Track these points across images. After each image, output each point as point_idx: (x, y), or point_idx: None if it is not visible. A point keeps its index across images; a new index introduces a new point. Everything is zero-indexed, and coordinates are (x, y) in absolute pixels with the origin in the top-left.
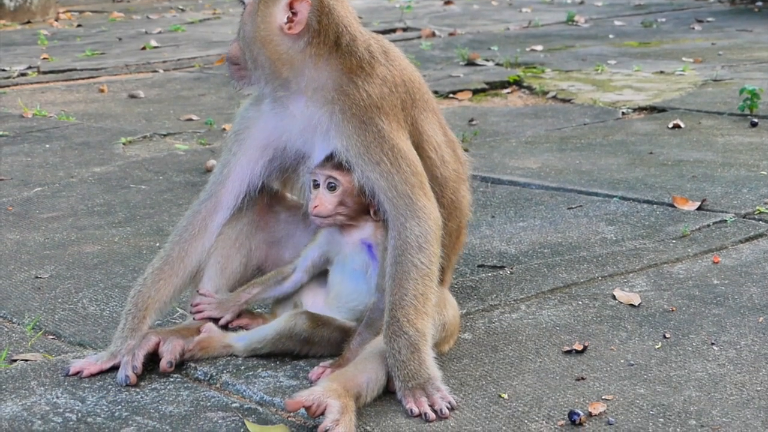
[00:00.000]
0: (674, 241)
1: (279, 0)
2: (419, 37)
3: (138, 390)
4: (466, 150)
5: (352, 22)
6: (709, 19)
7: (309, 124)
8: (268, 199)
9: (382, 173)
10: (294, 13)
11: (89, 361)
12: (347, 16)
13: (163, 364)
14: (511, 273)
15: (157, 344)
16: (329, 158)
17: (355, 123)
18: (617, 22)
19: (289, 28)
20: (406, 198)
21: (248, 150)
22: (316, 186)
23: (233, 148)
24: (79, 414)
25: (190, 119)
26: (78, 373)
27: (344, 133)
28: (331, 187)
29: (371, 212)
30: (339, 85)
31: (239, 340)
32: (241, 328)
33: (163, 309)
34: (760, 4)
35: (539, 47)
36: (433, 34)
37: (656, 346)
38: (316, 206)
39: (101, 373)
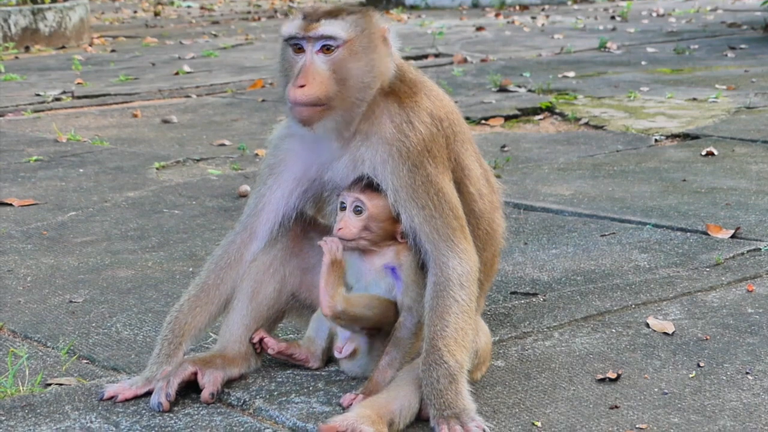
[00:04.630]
0: (708, 270)
1: (379, 29)
2: (451, 63)
3: (171, 415)
4: (498, 176)
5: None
6: (742, 46)
7: (356, 160)
8: (302, 225)
9: (425, 218)
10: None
11: (124, 386)
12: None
13: (205, 395)
14: (544, 300)
15: (193, 374)
16: (358, 181)
17: (409, 166)
18: (650, 49)
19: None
20: (449, 241)
21: (283, 183)
22: (343, 208)
23: (268, 181)
24: None
25: (223, 144)
26: (112, 397)
27: (396, 174)
28: (358, 211)
29: (398, 236)
30: (397, 123)
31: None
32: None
33: (197, 335)
34: None
35: (571, 74)
36: (465, 61)
37: (690, 375)
38: (340, 228)
39: (136, 398)
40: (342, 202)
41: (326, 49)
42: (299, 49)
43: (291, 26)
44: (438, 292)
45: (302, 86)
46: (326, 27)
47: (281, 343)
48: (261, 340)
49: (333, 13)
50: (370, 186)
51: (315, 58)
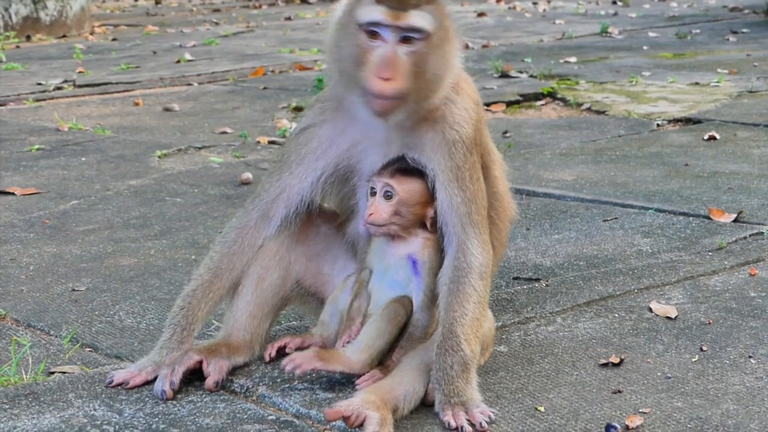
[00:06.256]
0: (710, 254)
1: (451, 23)
2: None
3: (175, 402)
4: None
5: None
6: (744, 30)
7: (408, 146)
8: (309, 212)
9: (464, 199)
10: None
11: (132, 372)
12: None
13: (210, 383)
14: (547, 285)
15: (199, 362)
16: (387, 166)
17: (464, 151)
18: (651, 34)
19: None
20: (476, 228)
21: (312, 171)
22: (373, 194)
23: (297, 170)
24: (117, 426)
25: (225, 132)
26: (122, 384)
27: (451, 157)
28: (388, 196)
29: (428, 224)
30: (457, 110)
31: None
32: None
33: (206, 320)
34: None
35: (573, 59)
36: (467, 47)
37: (693, 359)
38: (371, 214)
39: (146, 383)
40: (372, 188)
41: (407, 40)
42: (375, 36)
43: (371, 12)
44: (459, 278)
45: (386, 78)
46: (415, 18)
47: (296, 339)
48: (278, 349)
49: (416, 3)
50: (399, 171)
51: (397, 48)
